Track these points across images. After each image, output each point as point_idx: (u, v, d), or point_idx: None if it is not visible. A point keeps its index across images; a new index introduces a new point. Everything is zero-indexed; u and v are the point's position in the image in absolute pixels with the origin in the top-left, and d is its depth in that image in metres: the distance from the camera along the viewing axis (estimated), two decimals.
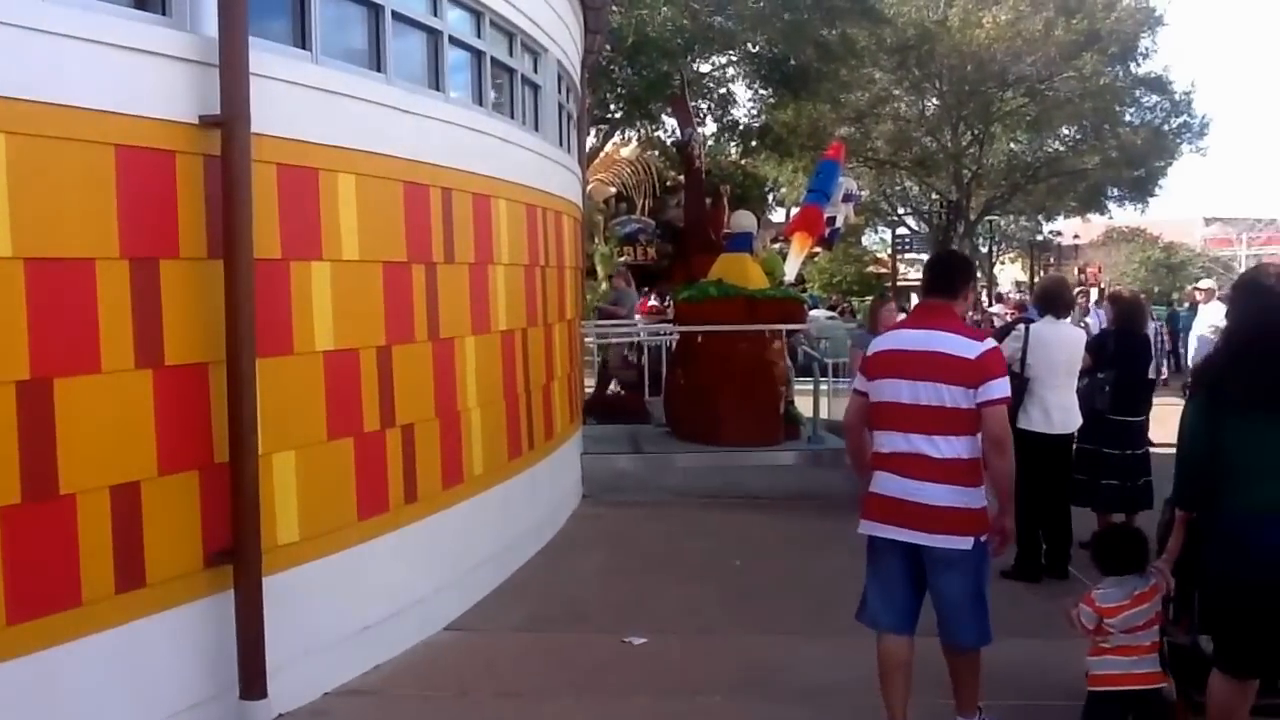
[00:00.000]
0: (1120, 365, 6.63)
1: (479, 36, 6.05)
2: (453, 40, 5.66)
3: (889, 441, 3.69)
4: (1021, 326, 6.51)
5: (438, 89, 5.50)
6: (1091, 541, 4.34)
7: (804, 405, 9.63)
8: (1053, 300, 6.31)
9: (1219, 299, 12.54)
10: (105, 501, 3.52)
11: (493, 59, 6.10)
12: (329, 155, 4.49)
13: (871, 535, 3.76)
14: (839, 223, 13.21)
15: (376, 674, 4.66)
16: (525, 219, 6.55)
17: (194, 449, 3.84)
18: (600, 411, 10.78)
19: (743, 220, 9.85)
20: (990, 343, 3.69)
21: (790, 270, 12.92)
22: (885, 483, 3.69)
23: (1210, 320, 10.89)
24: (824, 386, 9.58)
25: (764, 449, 8.68)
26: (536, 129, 7.13)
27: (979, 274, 36.08)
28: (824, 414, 9.43)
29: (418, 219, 5.14)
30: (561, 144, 8.01)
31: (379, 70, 4.98)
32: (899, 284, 35.14)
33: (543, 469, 6.91)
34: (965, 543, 3.58)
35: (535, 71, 7.08)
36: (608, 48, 13.63)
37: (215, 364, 3.88)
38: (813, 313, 15.51)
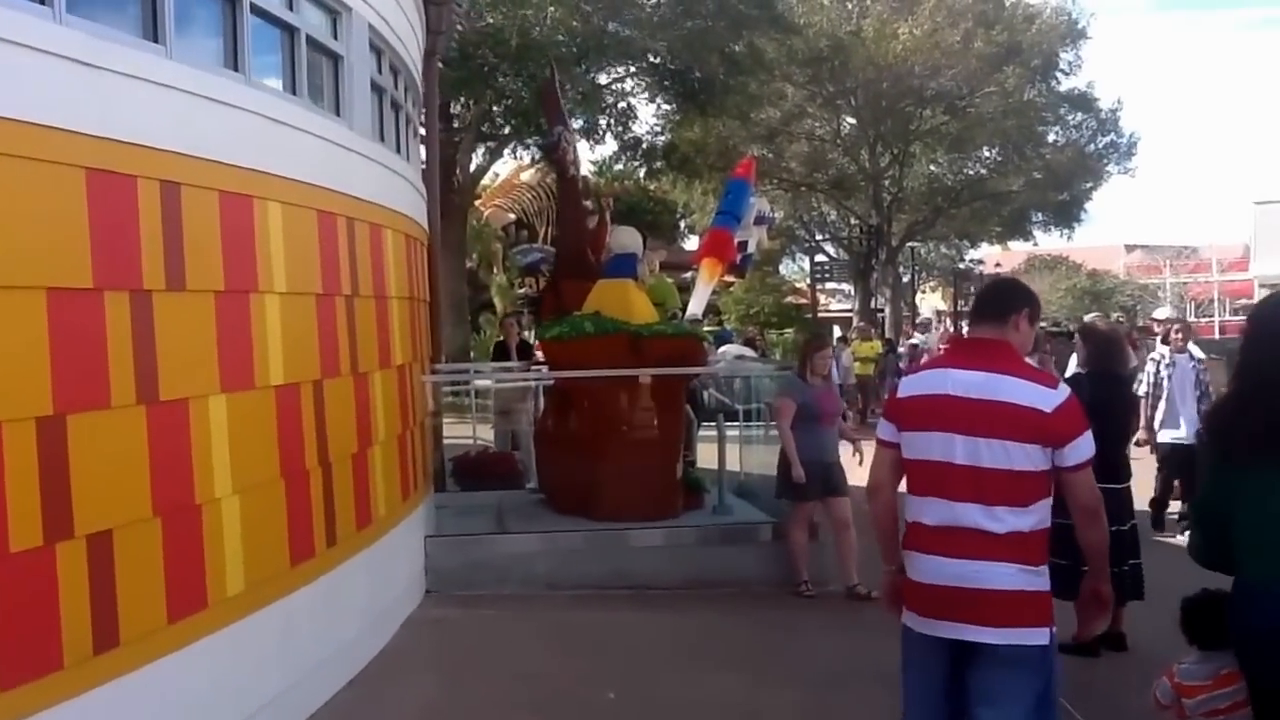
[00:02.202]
0: (1098, 417, 5.43)
1: None
2: None
3: (932, 511, 3.22)
4: None
5: (156, 40, 4.03)
6: (1184, 609, 3.63)
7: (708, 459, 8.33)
8: None
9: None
10: None
11: (255, 7, 4.63)
12: None
13: (913, 631, 3.27)
14: (751, 247, 12.40)
15: None
16: (318, 232, 5.09)
17: None
18: (465, 476, 9.35)
19: (625, 239, 8.40)
20: (1065, 390, 3.22)
21: (699, 301, 11.89)
22: (930, 567, 3.21)
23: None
24: (732, 433, 8.24)
25: (657, 524, 7.36)
26: (339, 114, 5.68)
27: (903, 304, 35.68)
28: (735, 468, 8.13)
29: (115, 224, 3.66)
30: (381, 138, 6.55)
31: (41, 2, 3.51)
32: (819, 315, 34.30)
33: (354, 569, 5.41)
34: (1041, 636, 3.14)
35: (335, 37, 5.63)
36: (457, 38, 12.18)
37: None
38: (724, 348, 14.33)
